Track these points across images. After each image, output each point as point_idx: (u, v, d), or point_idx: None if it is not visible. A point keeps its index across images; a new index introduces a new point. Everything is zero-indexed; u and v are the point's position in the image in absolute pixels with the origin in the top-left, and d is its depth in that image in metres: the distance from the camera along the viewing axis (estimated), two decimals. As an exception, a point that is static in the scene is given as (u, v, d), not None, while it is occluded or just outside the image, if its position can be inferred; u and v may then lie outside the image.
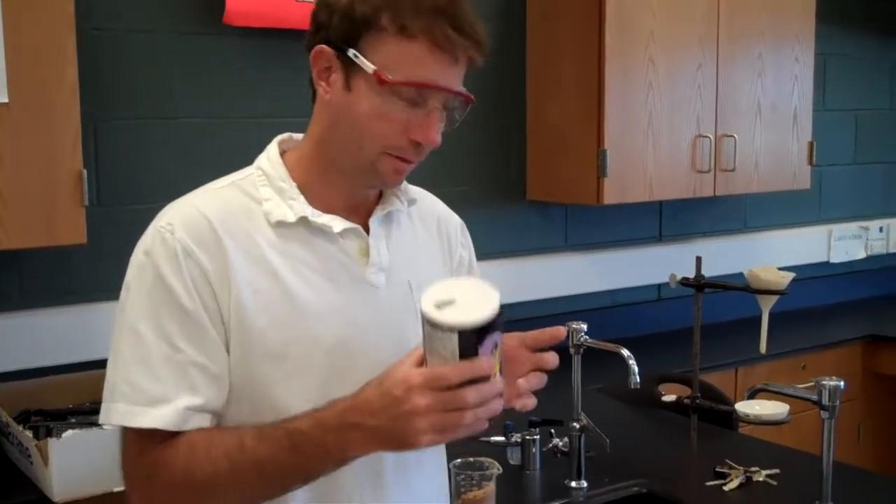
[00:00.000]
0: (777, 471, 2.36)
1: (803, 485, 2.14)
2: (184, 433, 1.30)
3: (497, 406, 1.18)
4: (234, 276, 1.32)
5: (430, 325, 1.15)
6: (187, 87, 2.92)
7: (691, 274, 2.20)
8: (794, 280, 1.98)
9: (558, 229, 3.78)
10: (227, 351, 1.33)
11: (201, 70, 2.94)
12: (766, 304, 1.82)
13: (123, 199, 2.82)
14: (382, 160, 1.37)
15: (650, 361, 2.36)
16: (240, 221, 1.36)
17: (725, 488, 2.27)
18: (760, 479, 2.32)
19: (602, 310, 3.84)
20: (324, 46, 1.35)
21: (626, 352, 2.22)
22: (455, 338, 1.13)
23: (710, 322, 2.71)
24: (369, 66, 1.31)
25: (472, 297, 1.17)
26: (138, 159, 2.84)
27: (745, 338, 3.72)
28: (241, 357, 1.33)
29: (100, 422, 1.32)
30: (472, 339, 1.13)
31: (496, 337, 1.17)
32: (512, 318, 3.77)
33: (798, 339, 3.87)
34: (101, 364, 1.36)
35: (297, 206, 1.38)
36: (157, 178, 2.86)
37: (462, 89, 1.37)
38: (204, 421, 1.31)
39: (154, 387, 1.28)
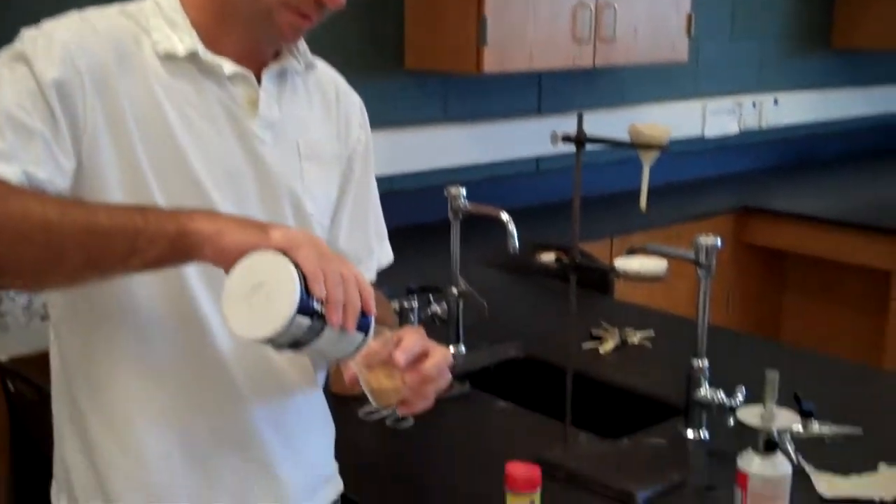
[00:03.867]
0: (651, 333, 2.39)
1: (677, 345, 2.17)
2: None
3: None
4: (120, 96, 1.23)
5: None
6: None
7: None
8: (669, 152, 1.97)
9: (437, 100, 3.71)
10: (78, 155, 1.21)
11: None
12: (648, 159, 1.80)
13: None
14: (280, 11, 1.28)
15: (528, 232, 2.35)
16: (129, 47, 1.26)
17: (601, 350, 2.30)
18: (635, 340, 2.35)
19: (480, 182, 3.80)
20: None
21: (505, 215, 2.19)
22: None
23: (584, 195, 2.71)
24: None
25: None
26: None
27: (619, 209, 3.76)
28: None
29: None
30: None
31: None
32: (392, 189, 3.69)
33: (672, 212, 3.92)
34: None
35: (187, 41, 1.28)
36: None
37: None
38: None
39: None
